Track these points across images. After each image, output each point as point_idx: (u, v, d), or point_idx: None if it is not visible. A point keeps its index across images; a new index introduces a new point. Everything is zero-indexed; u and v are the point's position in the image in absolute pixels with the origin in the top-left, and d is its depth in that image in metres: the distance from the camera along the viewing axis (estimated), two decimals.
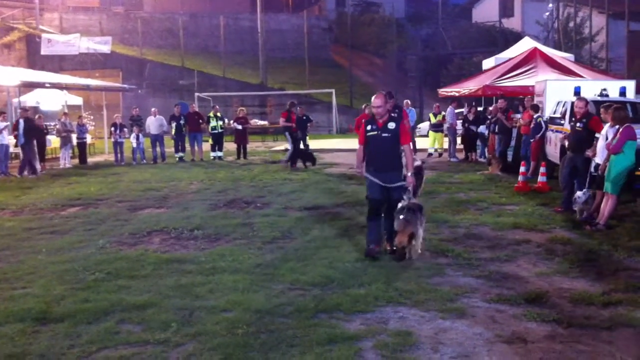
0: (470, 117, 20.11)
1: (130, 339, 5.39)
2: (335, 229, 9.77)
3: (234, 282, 6.86)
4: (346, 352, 5.00)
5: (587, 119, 10.74)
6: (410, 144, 8.21)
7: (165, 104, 27.87)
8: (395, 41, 45.23)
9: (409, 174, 7.91)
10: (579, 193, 10.30)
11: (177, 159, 22.21)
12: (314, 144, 22.85)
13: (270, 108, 39.30)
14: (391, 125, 8.00)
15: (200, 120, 22.68)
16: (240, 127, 22.93)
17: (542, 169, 13.73)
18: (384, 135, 7.98)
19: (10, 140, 19.77)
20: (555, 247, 8.42)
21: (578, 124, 10.85)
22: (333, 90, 35.31)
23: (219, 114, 23.13)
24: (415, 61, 43.74)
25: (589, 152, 10.48)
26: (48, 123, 24.72)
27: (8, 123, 19.76)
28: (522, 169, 14.17)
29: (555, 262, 7.74)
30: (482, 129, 19.71)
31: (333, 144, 27.94)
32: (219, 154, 22.57)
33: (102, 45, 37.90)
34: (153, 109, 23.24)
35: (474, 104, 23.52)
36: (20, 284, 7.17)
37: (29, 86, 26.92)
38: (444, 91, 24.58)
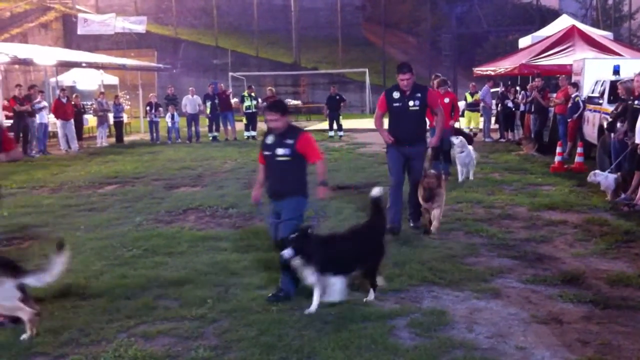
0: (523, 99, 19.21)
1: (167, 315, 5.50)
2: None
3: (268, 260, 6.91)
4: (380, 330, 5.02)
5: None
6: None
7: (198, 84, 27.99)
8: (429, 19, 44.63)
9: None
10: (597, 172, 10.15)
11: (211, 138, 22.35)
12: (346, 123, 22.77)
13: (303, 87, 39.21)
14: None
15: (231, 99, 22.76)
16: None
17: (579, 149, 13.51)
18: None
19: (49, 118, 20.10)
20: (592, 228, 8.31)
21: (637, 102, 10.33)
22: (367, 70, 34.95)
23: (253, 94, 23.16)
24: (449, 39, 43.06)
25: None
26: (85, 102, 25.12)
27: (46, 104, 20.05)
28: (558, 149, 13.95)
29: (591, 243, 7.65)
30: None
31: (366, 124, 27.77)
32: (253, 133, 22.62)
33: (137, 25, 38.09)
34: (191, 88, 23.48)
35: (509, 82, 23.18)
36: None
37: (65, 66, 27.33)
38: (479, 70, 24.27)
